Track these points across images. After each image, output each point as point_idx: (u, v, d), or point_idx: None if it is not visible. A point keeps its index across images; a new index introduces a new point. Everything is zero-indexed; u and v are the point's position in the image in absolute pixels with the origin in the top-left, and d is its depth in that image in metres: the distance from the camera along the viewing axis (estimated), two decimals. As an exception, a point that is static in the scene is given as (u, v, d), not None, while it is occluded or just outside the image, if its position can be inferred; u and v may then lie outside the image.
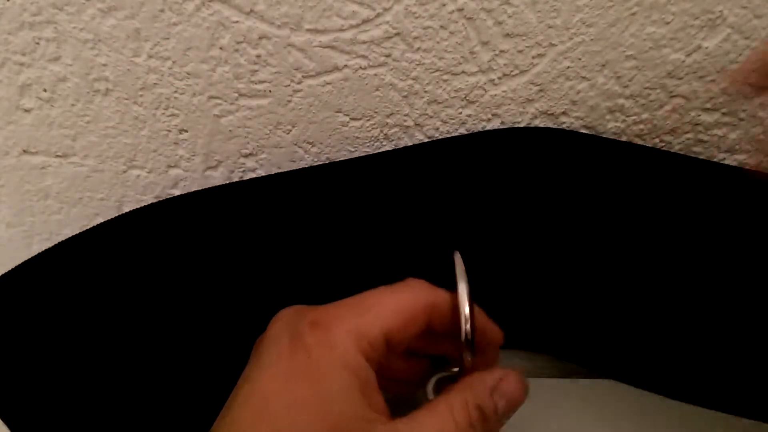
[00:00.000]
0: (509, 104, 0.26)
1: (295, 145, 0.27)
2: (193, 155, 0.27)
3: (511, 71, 0.25)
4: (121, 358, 0.29)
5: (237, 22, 0.23)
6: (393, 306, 0.22)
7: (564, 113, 0.26)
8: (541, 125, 0.26)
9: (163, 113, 0.26)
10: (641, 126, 0.26)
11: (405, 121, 0.26)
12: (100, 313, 0.28)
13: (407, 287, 0.23)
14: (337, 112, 0.26)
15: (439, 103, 0.26)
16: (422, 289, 0.23)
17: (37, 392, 0.29)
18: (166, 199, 0.27)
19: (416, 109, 0.26)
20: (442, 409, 0.21)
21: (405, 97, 0.25)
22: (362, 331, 0.21)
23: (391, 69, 0.25)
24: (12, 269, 0.27)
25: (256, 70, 0.25)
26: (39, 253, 0.27)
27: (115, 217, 0.27)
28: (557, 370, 0.33)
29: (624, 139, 0.26)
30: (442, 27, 0.24)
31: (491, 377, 0.22)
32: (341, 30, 0.24)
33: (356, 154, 0.27)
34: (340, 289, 0.25)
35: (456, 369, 0.24)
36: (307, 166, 0.27)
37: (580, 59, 0.24)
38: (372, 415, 0.20)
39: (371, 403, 0.21)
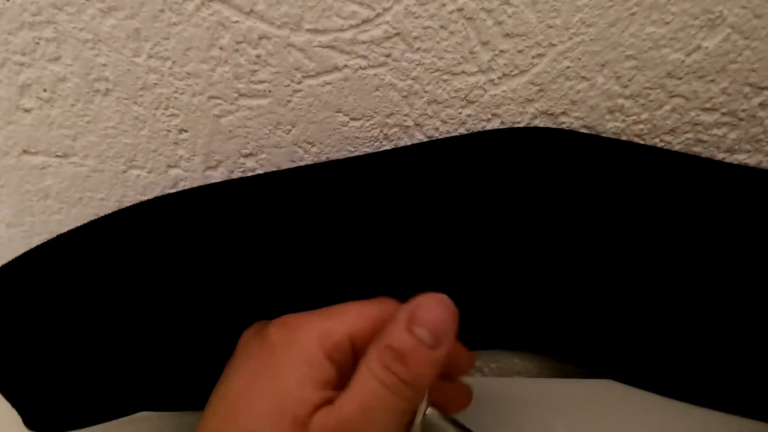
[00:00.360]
0: (509, 104, 0.26)
1: (295, 145, 0.27)
2: (193, 155, 0.27)
3: (511, 71, 0.25)
4: (119, 349, 0.29)
5: (237, 22, 0.23)
6: (360, 313, 0.23)
7: (564, 113, 0.26)
8: (541, 125, 0.26)
9: (163, 113, 0.26)
10: (641, 126, 0.26)
11: (405, 121, 0.26)
12: (99, 306, 0.28)
13: (377, 300, 0.24)
14: (337, 112, 0.26)
15: (439, 103, 0.26)
16: (391, 303, 0.24)
17: (37, 376, 0.29)
18: (166, 195, 0.27)
19: (416, 109, 0.26)
20: (362, 369, 0.21)
21: (405, 97, 0.25)
22: (327, 332, 0.22)
23: (391, 69, 0.25)
24: (11, 260, 0.27)
25: (256, 70, 0.25)
26: (38, 245, 0.27)
27: (115, 212, 0.27)
28: (557, 370, 0.33)
29: (624, 138, 0.26)
30: (442, 27, 0.24)
31: (402, 312, 0.22)
32: (341, 30, 0.24)
33: (356, 154, 0.27)
34: (337, 286, 0.25)
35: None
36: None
37: (580, 59, 0.24)
38: (322, 403, 0.21)
39: (325, 397, 0.21)
